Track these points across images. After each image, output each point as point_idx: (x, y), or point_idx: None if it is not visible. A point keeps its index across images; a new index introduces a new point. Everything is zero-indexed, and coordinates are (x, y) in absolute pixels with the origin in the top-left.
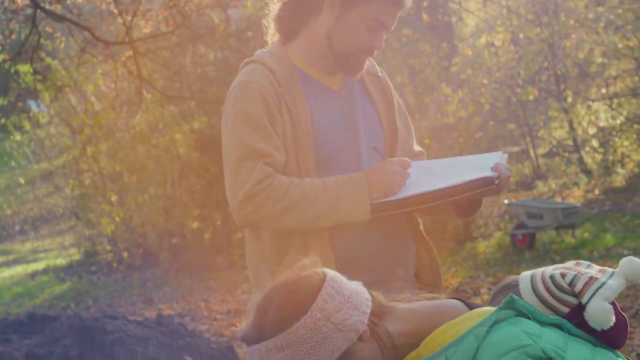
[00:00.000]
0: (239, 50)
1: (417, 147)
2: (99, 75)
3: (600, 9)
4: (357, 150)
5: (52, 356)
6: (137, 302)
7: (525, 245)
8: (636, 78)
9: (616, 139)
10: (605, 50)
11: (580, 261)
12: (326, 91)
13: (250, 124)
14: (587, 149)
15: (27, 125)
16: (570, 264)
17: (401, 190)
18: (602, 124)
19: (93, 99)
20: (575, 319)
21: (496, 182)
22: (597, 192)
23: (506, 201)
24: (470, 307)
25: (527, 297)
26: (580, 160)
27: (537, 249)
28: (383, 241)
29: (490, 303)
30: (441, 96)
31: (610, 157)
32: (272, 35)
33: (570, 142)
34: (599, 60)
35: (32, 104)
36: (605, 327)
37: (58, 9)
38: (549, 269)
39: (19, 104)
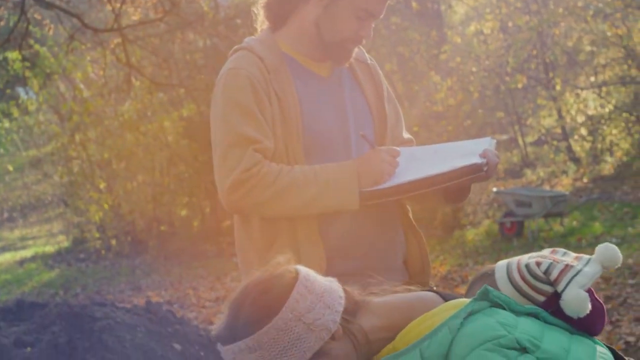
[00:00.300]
0: (227, 37)
1: (406, 135)
2: (87, 63)
3: None
4: (346, 138)
5: (40, 343)
6: (125, 289)
7: (514, 233)
8: (625, 66)
9: (605, 127)
10: (594, 39)
11: (557, 249)
12: (315, 78)
13: (239, 110)
14: (576, 137)
15: (15, 112)
16: (546, 252)
17: (390, 179)
18: (590, 112)
19: (82, 86)
20: (551, 307)
21: (485, 168)
22: (585, 180)
23: (495, 189)
24: (446, 298)
25: (503, 286)
26: (569, 149)
27: (526, 237)
28: (372, 229)
29: (468, 293)
30: (430, 84)
31: (599, 146)
32: (261, 22)
33: (558, 130)
34: (588, 48)
35: (20, 91)
36: (582, 315)
37: None
38: (524, 258)
39: (8, 91)
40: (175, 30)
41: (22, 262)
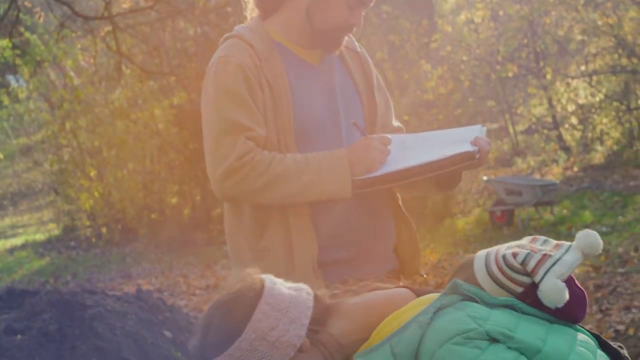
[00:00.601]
0: (218, 25)
1: (396, 123)
2: (78, 50)
3: None
4: (336, 125)
5: (31, 330)
6: (116, 277)
7: (504, 222)
8: (615, 55)
9: (595, 116)
10: (584, 28)
11: (537, 237)
12: (306, 66)
13: (231, 98)
14: (566, 126)
15: (5, 100)
16: (525, 240)
17: (382, 167)
18: (581, 101)
19: (72, 74)
20: (529, 298)
21: (477, 156)
22: (575, 169)
23: (485, 178)
24: (418, 294)
25: (481, 277)
26: (559, 137)
27: (516, 225)
28: (363, 217)
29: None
30: (421, 73)
31: (589, 135)
32: (251, 10)
33: (549, 119)
34: (579, 37)
35: (10, 78)
36: (559, 305)
37: None
38: (502, 249)
39: None
40: (166, 18)
41: (12, 250)
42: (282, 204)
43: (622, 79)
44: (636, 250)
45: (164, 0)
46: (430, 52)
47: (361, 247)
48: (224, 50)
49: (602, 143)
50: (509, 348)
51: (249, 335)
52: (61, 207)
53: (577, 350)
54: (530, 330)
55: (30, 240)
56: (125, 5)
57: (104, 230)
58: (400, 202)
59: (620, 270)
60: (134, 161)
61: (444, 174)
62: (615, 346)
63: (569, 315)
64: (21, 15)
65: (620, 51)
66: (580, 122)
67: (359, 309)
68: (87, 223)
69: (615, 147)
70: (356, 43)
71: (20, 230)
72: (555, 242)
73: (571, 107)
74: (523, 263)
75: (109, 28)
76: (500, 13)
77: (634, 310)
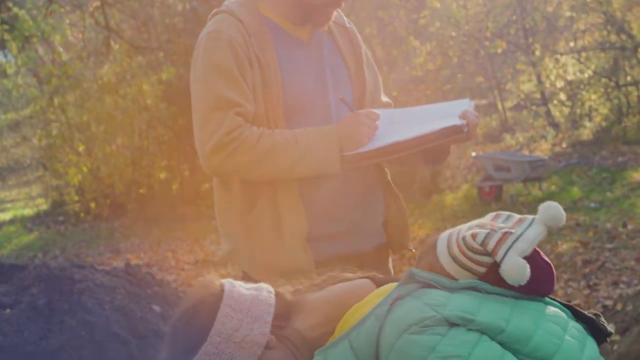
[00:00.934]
0: (207, 1)
1: (384, 99)
2: (66, 26)
3: None
4: (325, 101)
5: (20, 305)
6: (104, 252)
7: (492, 198)
8: (604, 32)
9: (584, 93)
10: (573, 4)
11: (500, 213)
12: (295, 42)
13: (220, 73)
14: (555, 102)
15: None
16: (488, 217)
17: (370, 142)
18: (570, 77)
19: (60, 49)
20: (493, 277)
21: (465, 129)
22: (564, 145)
23: (474, 154)
24: (379, 284)
25: (444, 260)
26: (548, 114)
27: (504, 201)
28: (352, 192)
29: (417, 265)
30: (409, 49)
31: (578, 111)
32: None
33: (538, 96)
34: (568, 13)
35: None
36: (522, 283)
37: None
38: (463, 229)
39: None
40: None
41: (0, 225)
42: (271, 180)
43: (610, 55)
44: (624, 226)
45: None
46: (419, 28)
47: (350, 222)
48: (213, 25)
49: (590, 119)
50: (470, 330)
51: (215, 339)
52: (49, 182)
53: (544, 324)
54: (493, 310)
55: (18, 215)
56: None
57: (92, 205)
58: (389, 178)
59: (609, 245)
60: (122, 136)
61: (433, 148)
62: (591, 315)
63: (535, 290)
64: None
65: (609, 28)
66: (569, 98)
67: (322, 302)
68: (76, 198)
69: (603, 124)
70: (345, 18)
71: (9, 205)
72: (518, 216)
73: (560, 84)
74: (483, 243)
75: (97, 3)
76: None
77: (621, 285)
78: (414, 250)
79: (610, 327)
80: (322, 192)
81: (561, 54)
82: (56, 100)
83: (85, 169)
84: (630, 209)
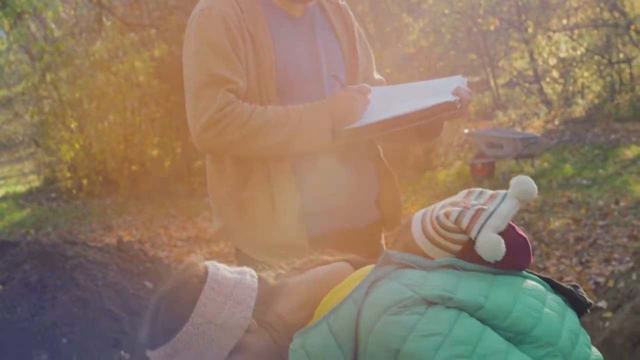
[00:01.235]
0: None
1: (377, 76)
2: (58, 2)
3: None
4: (318, 77)
5: (12, 281)
6: (96, 229)
7: (485, 175)
8: (597, 9)
9: (576, 70)
10: None
11: (473, 189)
12: (288, 18)
13: (212, 50)
14: (548, 79)
15: None
16: (460, 195)
17: (363, 118)
18: (562, 54)
19: (53, 25)
20: (469, 254)
21: (458, 106)
22: (556, 122)
23: (466, 130)
24: (357, 267)
25: (420, 240)
26: (541, 91)
27: (497, 178)
28: (345, 168)
29: (394, 245)
30: (402, 26)
31: (570, 88)
32: None
33: (530, 73)
34: None
35: None
36: (498, 258)
37: None
38: (437, 208)
39: None
40: None
41: None
42: (263, 156)
43: (603, 32)
44: (616, 203)
45: None
46: (412, 5)
47: (343, 198)
48: (205, 2)
49: (583, 96)
50: (449, 308)
51: (196, 320)
52: (42, 158)
53: (522, 299)
54: (471, 287)
55: (10, 192)
56: None
57: (84, 182)
58: (382, 154)
59: (601, 223)
60: (114, 113)
61: (425, 125)
62: (569, 287)
63: (512, 264)
64: None
65: (601, 5)
66: (562, 75)
67: (301, 286)
68: (68, 175)
69: (596, 101)
70: None
71: (1, 182)
72: (490, 192)
73: (552, 61)
74: (457, 221)
75: None
76: None
77: (613, 262)
78: None
79: (602, 304)
80: (315, 169)
81: (554, 31)
82: (48, 77)
83: (77, 146)
84: (623, 186)
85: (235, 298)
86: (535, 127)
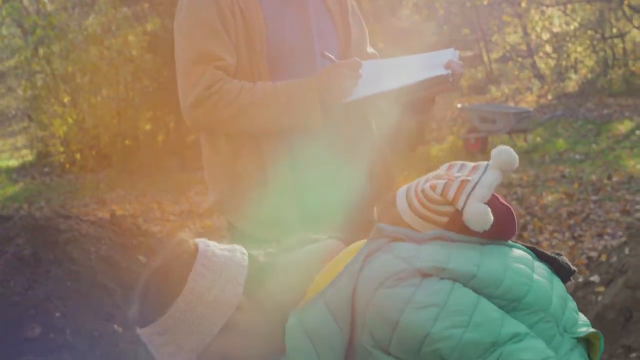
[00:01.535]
0: None
1: (370, 49)
2: None
3: None
4: (310, 53)
5: (5, 255)
6: (90, 203)
7: (478, 149)
8: None
9: (570, 45)
10: None
11: (454, 163)
12: None
13: (202, 26)
14: (541, 54)
15: None
16: (442, 169)
17: (354, 92)
18: (555, 29)
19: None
20: (456, 225)
21: (450, 79)
22: (549, 97)
23: (459, 105)
24: (347, 243)
25: (406, 215)
26: (534, 66)
27: (489, 152)
28: (337, 143)
29: (380, 221)
30: (395, 0)
31: (564, 63)
32: None
33: (523, 47)
34: None
35: None
36: (486, 228)
37: None
38: (421, 182)
39: None
40: None
41: None
42: (254, 134)
43: (596, 7)
44: (609, 178)
45: None
46: None
47: (335, 173)
48: None
49: (576, 71)
50: (443, 279)
51: (187, 296)
52: (35, 133)
53: (513, 267)
54: (462, 257)
55: (3, 166)
56: None
57: (77, 156)
58: (375, 129)
59: (594, 197)
60: (107, 87)
61: (418, 99)
62: (553, 254)
63: (499, 234)
64: None
65: None
66: (555, 50)
67: (292, 265)
68: (61, 149)
69: (589, 76)
70: None
71: None
72: (472, 164)
73: (545, 36)
74: (442, 193)
75: None
76: None
77: (606, 237)
78: None
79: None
80: (307, 143)
81: (547, 6)
82: (41, 51)
83: (70, 120)
84: (615, 161)
85: (226, 275)
86: (528, 101)
